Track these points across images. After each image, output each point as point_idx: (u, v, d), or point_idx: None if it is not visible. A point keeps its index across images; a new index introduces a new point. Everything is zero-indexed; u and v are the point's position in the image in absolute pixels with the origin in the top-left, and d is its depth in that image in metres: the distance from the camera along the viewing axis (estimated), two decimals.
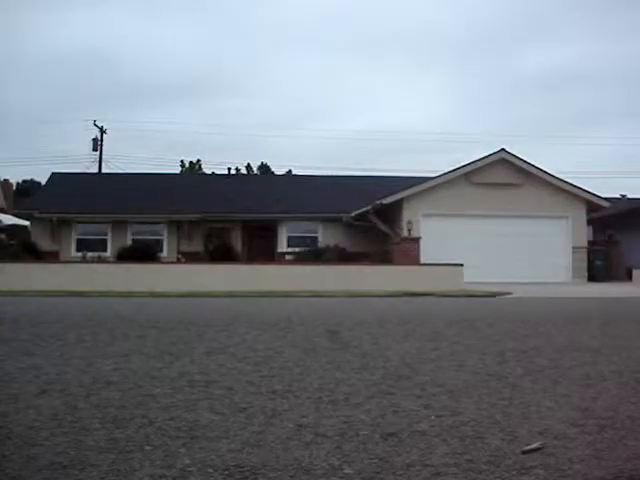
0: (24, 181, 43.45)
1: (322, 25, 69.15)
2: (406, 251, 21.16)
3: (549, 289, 15.18)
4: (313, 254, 22.88)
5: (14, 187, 35.58)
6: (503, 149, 23.89)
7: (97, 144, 38.23)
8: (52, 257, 21.94)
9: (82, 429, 1.44)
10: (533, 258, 22.94)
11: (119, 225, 25.60)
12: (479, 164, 23.81)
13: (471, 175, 23.69)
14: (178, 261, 22.13)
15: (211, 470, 1.18)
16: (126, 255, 21.27)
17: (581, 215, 23.79)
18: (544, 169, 23.76)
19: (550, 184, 23.59)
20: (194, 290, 12.09)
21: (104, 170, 35.98)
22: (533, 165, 23.78)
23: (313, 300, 7.94)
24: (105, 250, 24.91)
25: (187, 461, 1.23)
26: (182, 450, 1.30)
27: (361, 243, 25.11)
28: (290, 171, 44.62)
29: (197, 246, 25.27)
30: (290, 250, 25.29)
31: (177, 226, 26.03)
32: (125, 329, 3.36)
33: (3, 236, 22.97)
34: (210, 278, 14.66)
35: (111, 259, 22.10)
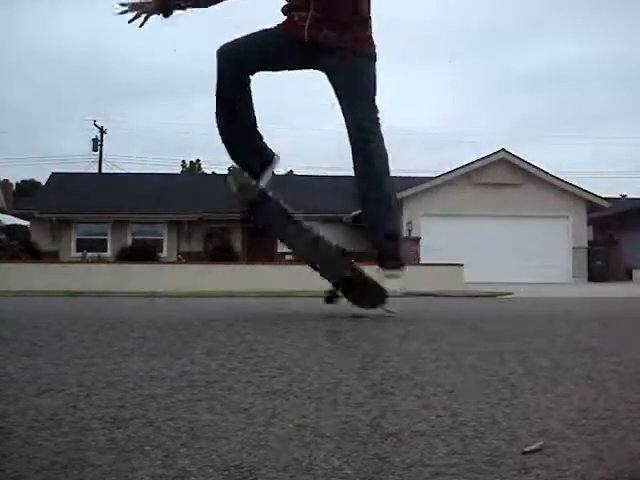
0: (24, 181, 43.39)
1: None
2: (406, 251, 21.17)
3: (549, 289, 15.18)
4: None
5: (14, 187, 35.55)
6: (503, 149, 23.87)
7: (97, 144, 38.19)
8: (52, 257, 21.93)
9: (82, 429, 1.44)
10: (533, 258, 22.95)
11: (119, 225, 25.56)
12: (479, 164, 23.80)
13: (471, 175, 23.68)
14: (178, 261, 22.10)
15: (211, 470, 1.18)
16: (126, 255, 21.22)
17: (581, 215, 23.79)
18: (544, 169, 23.76)
19: (550, 184, 23.58)
20: (194, 290, 12.10)
21: (104, 170, 35.97)
22: (533, 165, 23.77)
23: (313, 300, 7.95)
24: (105, 250, 24.89)
25: (187, 461, 1.23)
26: (182, 450, 1.30)
27: (361, 243, 25.12)
28: (291, 171, 44.56)
29: (197, 246, 25.24)
30: (290, 250, 25.22)
31: (177, 226, 25.98)
32: (125, 329, 3.36)
33: (3, 236, 22.96)
34: (210, 278, 14.65)
35: (111, 259, 22.05)
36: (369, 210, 4.12)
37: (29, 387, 1.90)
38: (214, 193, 28.70)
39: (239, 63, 4.15)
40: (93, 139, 38.91)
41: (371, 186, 3.96)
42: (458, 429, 1.48)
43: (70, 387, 1.91)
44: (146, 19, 4.17)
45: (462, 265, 15.18)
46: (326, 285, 4.44)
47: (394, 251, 3.90)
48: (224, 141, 4.27)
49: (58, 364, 2.30)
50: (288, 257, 23.71)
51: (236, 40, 4.27)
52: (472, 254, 20.59)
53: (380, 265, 3.87)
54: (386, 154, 3.99)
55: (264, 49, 4.23)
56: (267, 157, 4.34)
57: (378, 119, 4.10)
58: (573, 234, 23.58)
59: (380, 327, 3.71)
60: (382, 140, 3.97)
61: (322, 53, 3.85)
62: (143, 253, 20.92)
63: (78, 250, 24.78)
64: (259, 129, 4.29)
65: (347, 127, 4.06)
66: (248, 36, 4.25)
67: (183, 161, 49.48)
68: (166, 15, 4.20)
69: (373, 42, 4.16)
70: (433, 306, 6.79)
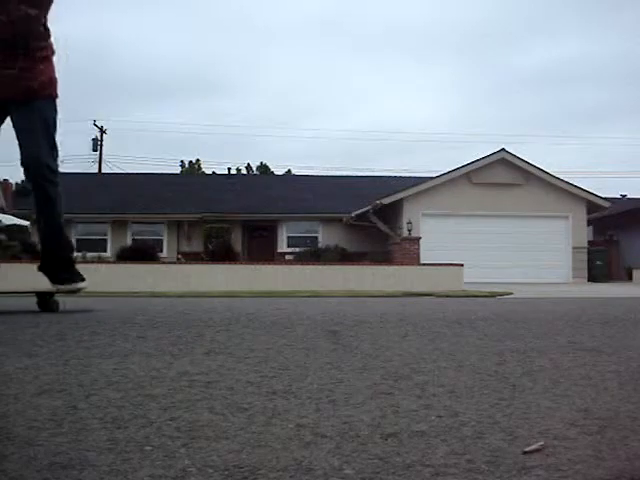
0: (24, 181, 43.38)
1: (322, 24, 69.39)
2: (406, 251, 21.16)
3: (549, 289, 15.19)
4: (313, 254, 22.85)
5: (14, 187, 35.53)
6: (503, 149, 23.87)
7: (97, 144, 38.15)
8: None
9: (82, 429, 1.44)
10: (533, 258, 22.94)
11: (119, 225, 25.56)
12: (479, 164, 23.80)
13: (471, 175, 23.69)
14: (178, 261, 22.09)
15: (211, 470, 1.18)
16: (126, 255, 21.21)
17: (581, 215, 23.79)
18: (544, 169, 23.76)
19: (550, 184, 23.58)
20: (194, 290, 12.08)
21: (104, 170, 35.99)
22: (533, 165, 23.77)
23: (313, 300, 7.95)
24: (105, 250, 24.87)
25: (187, 461, 1.23)
26: (182, 450, 1.30)
27: (361, 243, 25.11)
28: (289, 171, 44.53)
29: (197, 246, 25.23)
30: (290, 250, 25.30)
31: (177, 226, 25.96)
32: (125, 329, 3.36)
33: (3, 236, 22.96)
34: (210, 278, 14.63)
35: (111, 259, 22.04)
36: (47, 247, 4.70)
37: (29, 387, 1.90)
38: (214, 193, 28.64)
39: None
40: (93, 139, 38.88)
41: (52, 227, 4.59)
42: (458, 429, 1.48)
43: (70, 387, 1.90)
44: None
45: (462, 265, 15.16)
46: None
47: (69, 277, 4.62)
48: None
49: (58, 364, 2.30)
50: (288, 257, 23.70)
51: None
52: (472, 254, 20.60)
53: (58, 284, 4.57)
54: (62, 196, 4.58)
55: None
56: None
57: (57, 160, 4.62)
58: (573, 234, 23.57)
59: (380, 327, 3.71)
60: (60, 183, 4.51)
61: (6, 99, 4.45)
62: (143, 253, 20.91)
63: (78, 250, 24.78)
64: None
65: (26, 161, 4.61)
66: None
67: (183, 161, 49.68)
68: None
69: (51, 83, 4.50)
70: (433, 306, 6.79)
